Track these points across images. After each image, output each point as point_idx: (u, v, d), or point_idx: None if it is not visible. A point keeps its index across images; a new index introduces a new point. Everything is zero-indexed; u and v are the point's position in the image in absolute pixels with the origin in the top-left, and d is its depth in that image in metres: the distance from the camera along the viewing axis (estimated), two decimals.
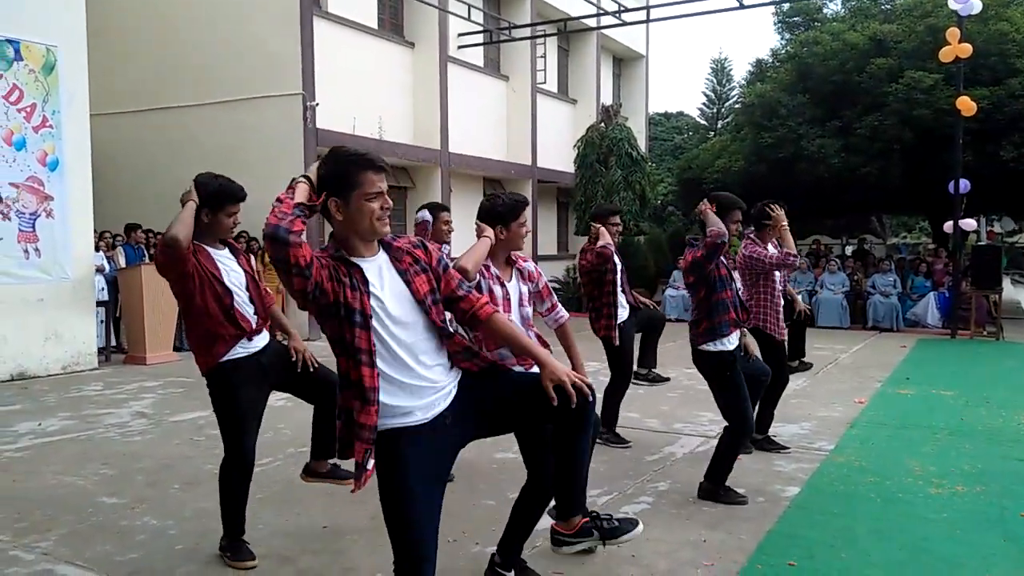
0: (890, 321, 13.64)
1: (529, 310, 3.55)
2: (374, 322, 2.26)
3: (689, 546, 3.83)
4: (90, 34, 9.77)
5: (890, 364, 9.71)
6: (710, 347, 4.43)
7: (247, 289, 3.62)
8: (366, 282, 2.26)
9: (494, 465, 5.14)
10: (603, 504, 4.43)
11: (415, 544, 2.32)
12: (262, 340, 3.64)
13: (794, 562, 3.62)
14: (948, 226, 12.81)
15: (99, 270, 10.11)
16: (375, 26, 14.60)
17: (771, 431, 5.76)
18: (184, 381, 8.54)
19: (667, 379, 6.27)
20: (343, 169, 2.26)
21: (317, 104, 12.38)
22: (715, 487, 4.49)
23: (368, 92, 14.19)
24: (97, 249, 10.29)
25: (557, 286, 17.84)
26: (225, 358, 3.49)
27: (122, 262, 10.47)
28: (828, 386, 8.14)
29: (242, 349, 3.53)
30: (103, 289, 10.33)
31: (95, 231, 10.14)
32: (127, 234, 11.10)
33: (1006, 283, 17.95)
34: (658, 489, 4.72)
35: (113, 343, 10.42)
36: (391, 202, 2.32)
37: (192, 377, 8.76)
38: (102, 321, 10.14)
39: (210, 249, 3.56)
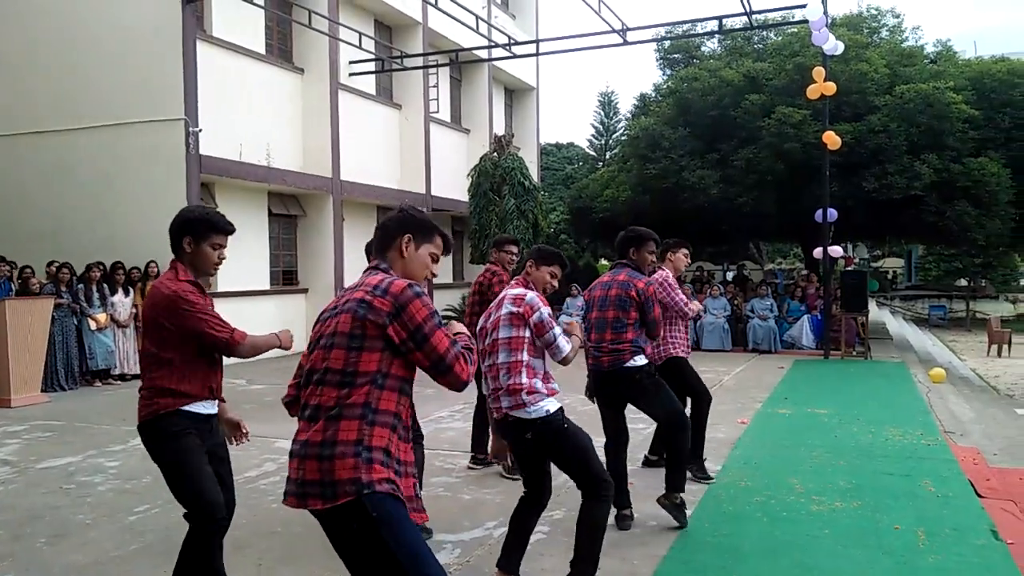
0: (768, 343, 14.35)
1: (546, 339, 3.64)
2: None
3: None
4: None
5: (770, 384, 10.18)
6: (637, 362, 4.52)
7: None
8: None
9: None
10: (500, 536, 4.39)
11: None
12: (214, 407, 3.28)
13: None
14: (818, 252, 13.63)
15: None
16: (263, 51, 14.30)
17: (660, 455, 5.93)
18: (53, 424, 7.95)
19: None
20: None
21: (200, 130, 11.96)
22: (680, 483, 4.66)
23: (255, 118, 13.84)
24: None
25: (452, 314, 17.78)
26: (184, 408, 3.12)
27: None
28: (712, 408, 8.38)
29: (201, 407, 3.18)
30: None
31: None
32: None
33: (872, 305, 19.22)
34: (553, 518, 4.73)
35: None
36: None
37: (62, 420, 8.18)
38: None
39: None
